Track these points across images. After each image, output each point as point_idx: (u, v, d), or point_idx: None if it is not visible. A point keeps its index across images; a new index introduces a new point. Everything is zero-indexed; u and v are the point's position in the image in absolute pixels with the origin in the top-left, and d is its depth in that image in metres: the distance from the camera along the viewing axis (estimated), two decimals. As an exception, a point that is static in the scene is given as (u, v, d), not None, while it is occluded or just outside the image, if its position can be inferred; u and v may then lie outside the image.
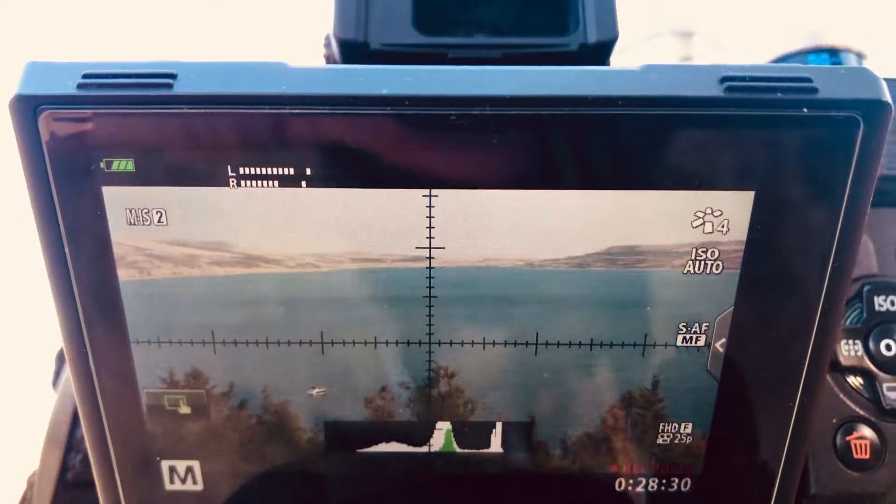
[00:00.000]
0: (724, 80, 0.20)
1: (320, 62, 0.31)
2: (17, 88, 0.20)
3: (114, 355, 0.23)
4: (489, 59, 0.28)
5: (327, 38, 0.31)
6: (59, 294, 0.22)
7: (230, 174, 0.21)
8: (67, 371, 0.32)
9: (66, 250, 0.21)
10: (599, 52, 0.28)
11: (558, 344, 0.23)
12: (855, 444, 0.27)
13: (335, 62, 0.29)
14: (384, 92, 0.20)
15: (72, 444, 0.31)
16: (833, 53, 0.32)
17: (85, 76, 0.20)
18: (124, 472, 0.25)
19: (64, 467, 0.31)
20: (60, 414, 0.31)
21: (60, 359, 0.33)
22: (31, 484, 0.34)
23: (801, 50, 0.32)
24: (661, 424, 0.24)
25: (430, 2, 0.28)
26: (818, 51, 0.32)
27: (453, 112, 0.20)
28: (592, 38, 0.27)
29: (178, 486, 0.25)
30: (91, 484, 0.31)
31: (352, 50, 0.27)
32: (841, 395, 0.27)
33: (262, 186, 0.21)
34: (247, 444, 0.24)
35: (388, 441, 0.25)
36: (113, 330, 0.23)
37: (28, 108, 0.20)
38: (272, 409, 0.24)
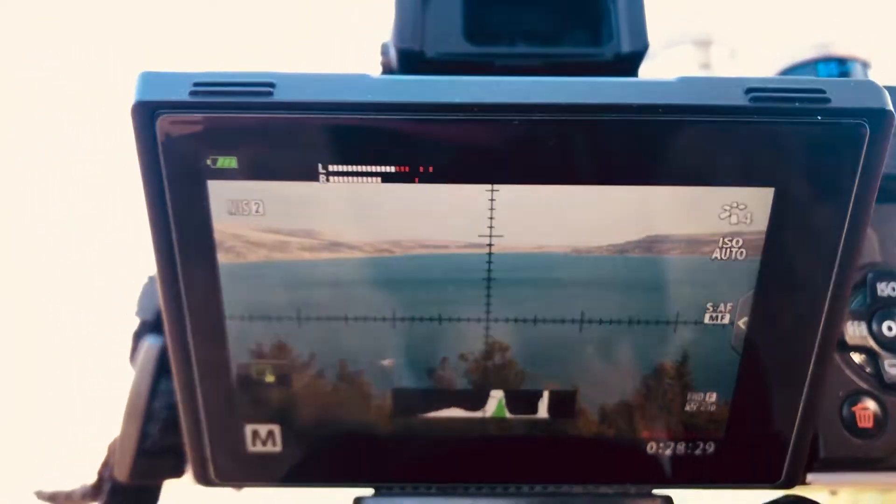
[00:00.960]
0: (749, 90, 0.23)
1: (377, 67, 0.34)
2: (136, 96, 0.23)
3: (210, 330, 0.26)
4: (530, 66, 0.31)
5: (384, 46, 0.34)
6: (164, 276, 0.25)
7: (320, 171, 0.24)
8: (144, 348, 0.36)
9: (174, 237, 0.25)
10: (631, 62, 0.31)
11: (600, 321, 0.26)
12: (859, 415, 0.30)
13: (392, 68, 0.32)
14: (456, 100, 0.23)
15: (150, 414, 0.34)
16: (841, 62, 0.35)
17: (196, 84, 0.23)
18: (212, 435, 0.28)
19: (143, 436, 0.34)
20: (139, 387, 0.35)
21: (137, 337, 0.36)
22: (111, 451, 0.37)
23: (812, 59, 0.35)
24: (689, 394, 0.27)
25: (478, 15, 0.31)
26: (827, 60, 0.35)
27: (515, 118, 0.23)
28: (626, 48, 0.30)
29: (259, 447, 0.28)
30: (167, 451, 0.35)
31: (409, 58, 0.30)
32: (847, 371, 0.30)
33: (347, 182, 0.24)
34: (322, 409, 0.28)
35: (447, 407, 0.28)
36: (210, 307, 0.26)
37: (147, 112, 0.23)
38: (347, 377, 0.27)
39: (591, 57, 0.30)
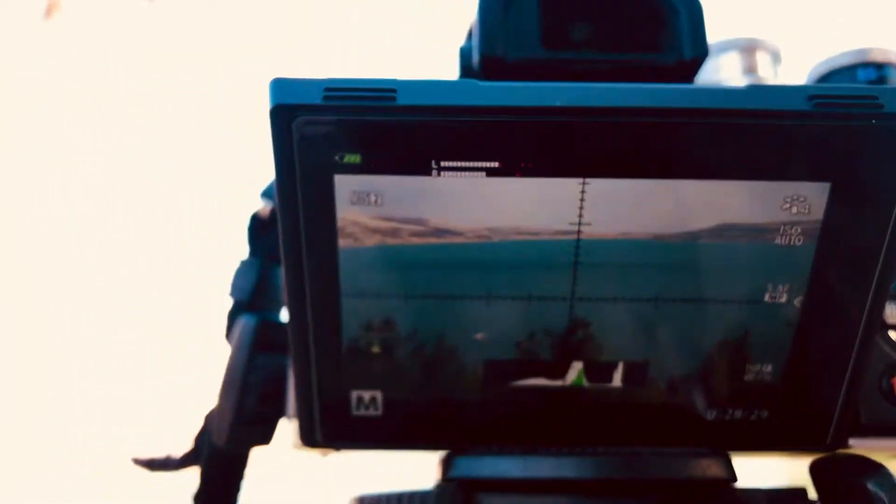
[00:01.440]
0: (811, 97, 0.26)
1: (455, 72, 0.37)
2: (272, 100, 0.27)
3: (327, 307, 0.30)
4: (599, 70, 0.34)
5: (463, 50, 0.37)
6: (289, 258, 0.29)
7: (433, 166, 0.27)
8: (239, 325, 0.39)
9: (301, 224, 0.28)
10: (692, 68, 0.34)
11: (673, 300, 0.30)
12: (896, 386, 0.33)
13: (472, 72, 0.36)
14: (556, 104, 0.26)
15: (246, 387, 0.38)
16: (878, 67, 0.38)
17: (327, 90, 0.26)
18: (322, 400, 0.31)
19: (239, 406, 0.37)
20: (236, 361, 0.38)
21: (232, 316, 0.40)
22: (208, 420, 0.40)
23: (851, 64, 0.39)
24: (747, 365, 0.31)
25: (552, 22, 0.34)
26: (865, 65, 0.38)
27: (607, 120, 0.26)
28: (688, 55, 0.33)
29: (362, 412, 0.32)
30: (259, 420, 0.38)
31: (492, 63, 0.33)
32: (885, 347, 0.34)
33: (455, 176, 0.27)
34: (420, 377, 0.31)
35: (532, 376, 0.31)
36: (329, 287, 0.29)
37: (284, 115, 0.26)
38: (444, 349, 0.31)
39: (655, 62, 0.34)
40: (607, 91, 0.27)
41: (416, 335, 0.30)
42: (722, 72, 0.40)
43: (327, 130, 0.27)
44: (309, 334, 0.30)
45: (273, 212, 0.38)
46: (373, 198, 0.28)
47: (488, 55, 0.33)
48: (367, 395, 0.32)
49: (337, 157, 0.27)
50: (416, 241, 0.29)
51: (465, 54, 0.36)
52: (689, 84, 0.27)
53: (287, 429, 0.36)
